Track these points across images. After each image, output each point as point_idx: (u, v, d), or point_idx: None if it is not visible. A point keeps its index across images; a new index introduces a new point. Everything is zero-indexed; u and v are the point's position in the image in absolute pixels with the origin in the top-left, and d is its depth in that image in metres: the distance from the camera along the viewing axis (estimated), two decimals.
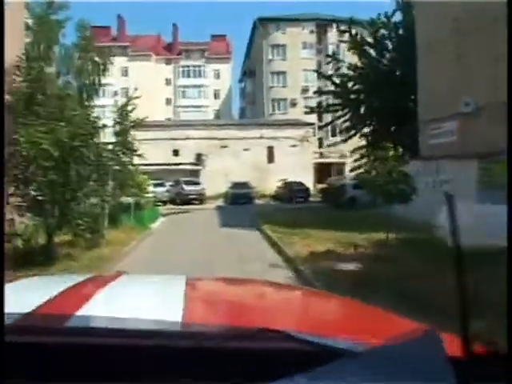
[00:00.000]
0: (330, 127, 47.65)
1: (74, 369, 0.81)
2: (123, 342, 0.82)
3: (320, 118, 46.62)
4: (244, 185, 29.34)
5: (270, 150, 34.89)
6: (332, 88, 25.27)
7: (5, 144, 7.01)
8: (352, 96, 23.51)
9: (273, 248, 11.41)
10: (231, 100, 61.29)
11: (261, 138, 34.88)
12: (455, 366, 0.70)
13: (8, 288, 1.22)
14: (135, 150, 14.73)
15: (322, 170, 39.93)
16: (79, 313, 1.05)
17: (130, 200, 16.38)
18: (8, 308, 0.95)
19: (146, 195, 17.55)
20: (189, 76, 59.10)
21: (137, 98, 15.47)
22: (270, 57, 47.20)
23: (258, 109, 49.42)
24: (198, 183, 29.92)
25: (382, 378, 0.69)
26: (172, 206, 27.29)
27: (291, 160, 34.01)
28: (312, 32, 47.55)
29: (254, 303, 1.59)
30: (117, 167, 13.75)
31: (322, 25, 47.44)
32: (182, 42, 61.54)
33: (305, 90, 46.42)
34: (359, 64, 23.18)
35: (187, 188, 28.51)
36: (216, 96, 59.30)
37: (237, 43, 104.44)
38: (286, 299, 1.75)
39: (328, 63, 22.47)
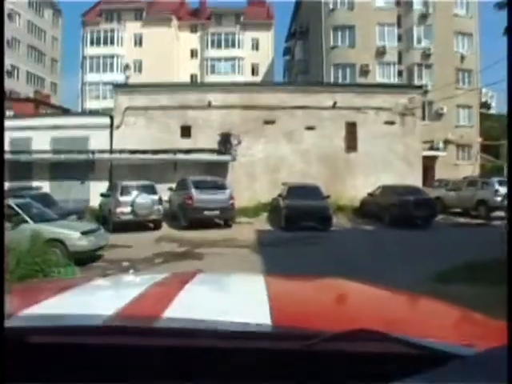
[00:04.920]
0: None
1: (159, 370, 0.84)
2: (213, 344, 0.82)
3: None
4: (310, 191, 15.13)
5: (351, 128, 19.71)
6: None
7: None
8: None
9: None
10: (273, 76, 47.54)
11: (334, 107, 19.60)
12: None
13: (91, 287, 1.42)
14: None
15: None
16: (166, 314, 0.99)
17: None
18: (91, 309, 1.03)
19: None
20: (220, 46, 46.43)
21: None
22: (332, 6, 32.95)
23: (312, 79, 35.17)
24: (221, 187, 15.35)
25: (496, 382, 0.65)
26: (171, 232, 13.85)
27: (384, 146, 19.56)
28: None
29: (341, 303, 1.47)
30: None
31: None
32: (212, 6, 48.94)
33: (381, 53, 32.21)
34: None
35: (200, 197, 14.27)
36: (254, 71, 46.71)
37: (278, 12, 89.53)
38: (371, 299, 1.51)
39: None
